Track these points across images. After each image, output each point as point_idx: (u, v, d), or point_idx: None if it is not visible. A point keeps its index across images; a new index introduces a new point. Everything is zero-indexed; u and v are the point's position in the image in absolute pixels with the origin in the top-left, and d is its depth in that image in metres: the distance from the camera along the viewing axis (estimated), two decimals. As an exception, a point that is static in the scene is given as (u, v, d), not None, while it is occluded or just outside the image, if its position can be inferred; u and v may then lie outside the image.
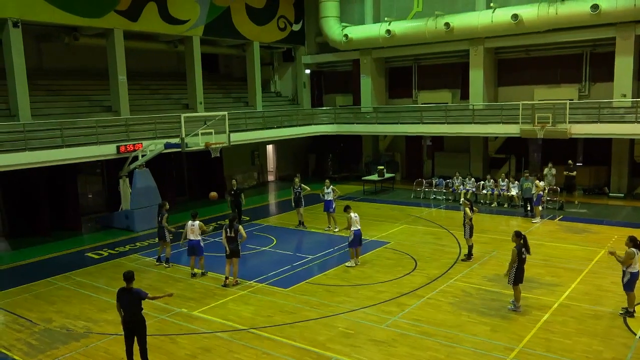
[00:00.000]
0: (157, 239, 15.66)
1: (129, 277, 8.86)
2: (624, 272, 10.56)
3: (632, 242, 10.45)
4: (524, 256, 11.02)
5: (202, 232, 14.06)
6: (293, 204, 19.03)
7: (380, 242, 16.76)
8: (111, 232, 19.50)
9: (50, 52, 22.97)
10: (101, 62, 22.05)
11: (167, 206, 15.25)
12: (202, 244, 14.10)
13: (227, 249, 13.02)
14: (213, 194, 17.15)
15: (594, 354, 9.17)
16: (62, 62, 23.21)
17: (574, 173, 21.06)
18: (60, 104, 21.20)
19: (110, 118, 20.70)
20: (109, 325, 11.06)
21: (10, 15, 18.15)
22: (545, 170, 21.58)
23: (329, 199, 18.26)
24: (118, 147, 19.21)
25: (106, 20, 20.91)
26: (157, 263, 15.14)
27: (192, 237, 13.89)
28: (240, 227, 13.19)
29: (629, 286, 10.55)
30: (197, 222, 13.93)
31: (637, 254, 10.39)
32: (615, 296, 11.27)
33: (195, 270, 14.11)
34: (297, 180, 19.03)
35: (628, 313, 10.67)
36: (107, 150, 19.01)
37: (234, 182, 19.27)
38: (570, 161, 21.33)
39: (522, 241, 10.99)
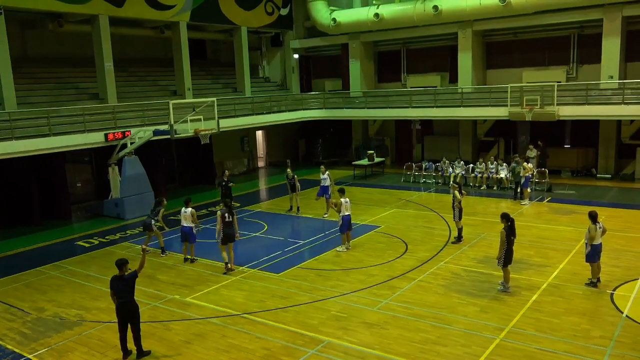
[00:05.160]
0: (142, 228, 15.55)
1: (120, 264, 8.98)
2: (585, 244, 11.15)
3: (591, 217, 11.02)
4: (512, 238, 11.15)
5: (193, 220, 13.99)
6: (289, 190, 18.99)
7: (370, 226, 16.84)
8: (101, 220, 19.42)
9: (35, 39, 22.61)
10: (87, 49, 21.77)
11: (165, 202, 15.08)
12: (194, 231, 14.08)
13: (223, 234, 12.98)
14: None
15: (582, 333, 9.34)
16: (47, 49, 22.87)
17: (534, 154, 21.55)
18: (46, 92, 20.94)
19: (97, 106, 20.50)
20: (102, 313, 11.08)
21: (-8, 2, 17.87)
22: (527, 153, 21.99)
23: (326, 184, 18.24)
24: (106, 135, 19.09)
25: (91, 6, 20.60)
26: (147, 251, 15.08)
27: (184, 224, 13.96)
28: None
29: (591, 258, 11.11)
30: (189, 209, 13.95)
31: (597, 227, 10.94)
32: (603, 275, 11.43)
33: (187, 255, 14.17)
34: (289, 170, 18.83)
35: (592, 284, 11.29)
36: (94, 139, 18.90)
37: (227, 172, 18.75)
38: (539, 142, 21.75)
39: (509, 224, 11.11)
